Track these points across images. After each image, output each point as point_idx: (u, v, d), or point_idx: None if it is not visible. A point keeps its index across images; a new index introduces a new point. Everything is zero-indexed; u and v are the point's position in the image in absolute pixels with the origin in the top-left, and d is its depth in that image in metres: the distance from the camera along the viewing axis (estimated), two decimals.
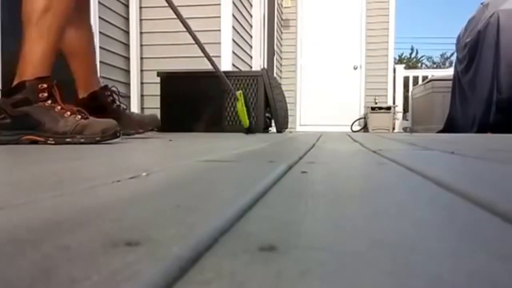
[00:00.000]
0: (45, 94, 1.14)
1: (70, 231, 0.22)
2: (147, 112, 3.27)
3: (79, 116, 1.15)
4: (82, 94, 1.51)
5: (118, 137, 1.16)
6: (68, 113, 1.15)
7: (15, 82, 1.13)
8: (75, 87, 1.55)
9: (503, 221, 0.25)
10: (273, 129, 3.16)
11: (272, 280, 0.16)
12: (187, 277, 0.16)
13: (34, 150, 0.89)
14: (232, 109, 2.75)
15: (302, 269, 0.17)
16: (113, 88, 1.56)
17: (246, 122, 2.28)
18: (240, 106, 2.29)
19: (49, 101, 1.14)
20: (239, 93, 2.33)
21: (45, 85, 1.13)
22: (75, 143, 1.10)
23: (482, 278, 0.16)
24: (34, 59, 1.13)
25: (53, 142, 1.11)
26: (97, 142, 1.11)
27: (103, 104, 1.47)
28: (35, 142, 1.12)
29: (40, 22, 1.11)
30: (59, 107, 1.14)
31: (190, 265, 0.17)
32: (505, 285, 0.15)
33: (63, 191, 0.35)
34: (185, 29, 1.92)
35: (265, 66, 4.03)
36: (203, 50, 1.97)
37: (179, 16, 1.85)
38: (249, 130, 2.30)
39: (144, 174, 0.44)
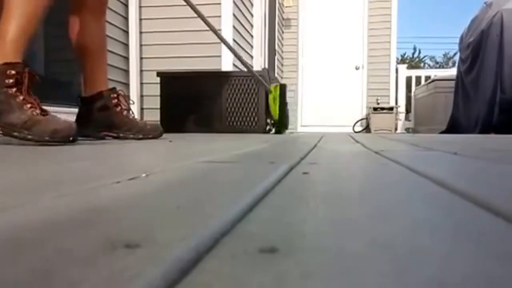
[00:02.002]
0: (12, 81, 1.08)
1: (69, 232, 0.22)
2: (146, 112, 3.28)
3: (38, 111, 1.07)
4: (88, 92, 1.49)
5: (71, 141, 1.06)
6: (28, 105, 1.07)
7: (88, 92, 1.21)
8: (81, 85, 1.55)
9: (506, 222, 0.25)
10: (273, 129, 3.15)
11: (273, 282, 0.15)
12: (188, 279, 0.16)
13: (33, 151, 0.89)
14: (232, 109, 2.75)
15: (304, 271, 0.17)
16: (121, 92, 1.55)
17: (277, 116, 2.25)
18: (272, 100, 2.26)
19: (14, 89, 1.07)
20: (274, 86, 2.32)
21: (13, 72, 1.08)
22: (21, 139, 1.04)
23: (483, 278, 0.16)
24: (5, 43, 1.07)
25: (0, 132, 1.07)
26: (45, 143, 1.02)
27: (107, 105, 1.47)
28: None
29: (13, 6, 1.08)
30: (21, 97, 1.08)
31: (190, 267, 0.17)
32: (505, 286, 0.15)
33: (62, 192, 0.35)
34: (204, 27, 1.95)
35: (266, 66, 4.03)
36: (229, 47, 1.98)
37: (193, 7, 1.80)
38: (278, 128, 2.27)
39: (143, 175, 0.43)
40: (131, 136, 1.46)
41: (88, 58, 1.44)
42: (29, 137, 1.04)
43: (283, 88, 2.49)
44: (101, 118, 1.45)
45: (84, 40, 1.42)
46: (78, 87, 2.62)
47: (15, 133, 1.05)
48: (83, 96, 1.49)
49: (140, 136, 1.47)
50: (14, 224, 0.24)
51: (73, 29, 1.45)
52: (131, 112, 1.55)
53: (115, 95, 1.50)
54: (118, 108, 1.49)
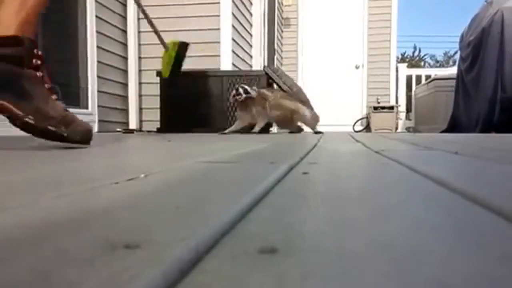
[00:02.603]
0: (39, 62, 0.91)
1: (68, 233, 0.22)
2: (145, 112, 3.27)
3: (62, 105, 0.93)
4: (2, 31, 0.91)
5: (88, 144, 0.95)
6: (54, 96, 0.92)
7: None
8: None
9: (506, 222, 0.25)
10: (274, 129, 3.16)
11: (273, 282, 0.15)
12: (187, 280, 0.16)
13: (30, 151, 0.88)
14: (232, 108, 2.75)
15: (304, 271, 0.17)
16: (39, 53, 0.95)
17: (166, 72, 2.05)
18: (166, 59, 2.02)
19: (40, 73, 0.90)
20: (172, 42, 2.05)
21: (40, 52, 0.91)
22: (54, 133, 0.88)
23: (483, 278, 0.16)
24: (24, 15, 0.87)
25: (32, 122, 0.86)
26: (74, 144, 0.91)
27: (21, 59, 0.89)
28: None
29: None
30: (46, 86, 0.92)
31: (190, 267, 0.17)
32: (506, 286, 0.15)
33: (61, 193, 0.34)
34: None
35: (266, 64, 4.02)
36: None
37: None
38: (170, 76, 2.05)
39: (142, 175, 0.43)
40: (44, 125, 0.90)
41: None
42: (65, 134, 0.89)
43: (183, 46, 2.16)
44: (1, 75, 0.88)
45: None
46: (75, 87, 2.62)
47: (51, 127, 0.87)
48: None
49: (60, 132, 0.91)
50: (14, 224, 0.24)
51: None
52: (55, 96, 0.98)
53: (39, 53, 0.94)
54: (39, 73, 0.93)
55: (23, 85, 0.87)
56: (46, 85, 0.93)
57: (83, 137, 0.94)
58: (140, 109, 3.29)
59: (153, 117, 3.08)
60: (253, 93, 2.50)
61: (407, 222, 0.26)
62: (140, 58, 3.24)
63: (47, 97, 0.91)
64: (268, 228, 0.24)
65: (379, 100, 5.51)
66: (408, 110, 5.87)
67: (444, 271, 0.17)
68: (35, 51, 0.92)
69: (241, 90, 2.48)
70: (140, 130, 3.15)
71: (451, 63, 16.56)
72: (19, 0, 0.90)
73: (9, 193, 0.36)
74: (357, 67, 5.66)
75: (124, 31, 3.17)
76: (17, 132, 0.93)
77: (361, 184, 0.45)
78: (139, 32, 3.21)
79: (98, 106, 2.81)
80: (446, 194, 0.35)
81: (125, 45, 3.18)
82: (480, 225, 0.25)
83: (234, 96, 2.52)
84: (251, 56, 3.78)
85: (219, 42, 3.12)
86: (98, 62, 2.82)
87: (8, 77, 0.87)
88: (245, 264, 0.17)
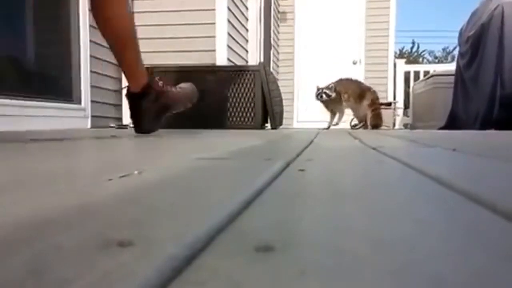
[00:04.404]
0: (161, 82, 1.47)
1: (61, 230, 0.22)
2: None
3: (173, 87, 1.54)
4: (133, 87, 1.43)
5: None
6: (169, 87, 1.51)
7: (134, 86, 1.39)
8: (72, 81, 1.60)
9: (506, 220, 0.25)
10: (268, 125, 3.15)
11: (269, 280, 0.15)
12: (182, 277, 0.15)
13: (23, 148, 0.88)
14: (228, 105, 2.74)
15: (300, 269, 0.16)
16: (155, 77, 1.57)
17: None
18: None
19: (164, 87, 1.47)
20: None
21: (156, 78, 1.50)
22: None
23: (483, 277, 0.16)
24: (140, 65, 1.42)
25: (190, 105, 1.59)
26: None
27: (158, 95, 1.46)
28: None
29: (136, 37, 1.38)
30: (168, 86, 1.50)
31: (185, 265, 0.16)
32: (507, 285, 0.15)
33: (54, 190, 0.34)
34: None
35: (262, 61, 4.01)
36: None
37: None
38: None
39: (136, 172, 0.43)
40: (182, 108, 1.60)
41: (124, 53, 1.40)
42: (189, 105, 1.61)
43: None
44: (156, 108, 1.46)
45: (112, 31, 1.36)
46: (68, 82, 2.60)
47: (188, 104, 1.60)
48: (132, 92, 1.43)
49: (189, 104, 1.62)
50: (5, 221, 0.24)
51: (97, 19, 1.38)
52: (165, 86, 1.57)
53: (157, 79, 1.51)
54: (165, 88, 1.51)
55: (171, 98, 1.53)
56: (168, 87, 1.53)
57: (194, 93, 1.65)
58: None
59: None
60: (333, 95, 3.15)
61: (405, 219, 0.25)
62: None
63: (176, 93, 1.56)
64: (264, 225, 0.24)
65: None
66: (406, 106, 5.88)
67: (444, 271, 0.16)
68: (156, 79, 1.51)
69: (324, 96, 3.16)
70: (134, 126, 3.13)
71: (449, 59, 16.57)
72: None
73: (1, 189, 0.36)
74: (354, 63, 5.65)
75: None
76: (15, 127, 1.00)
77: (357, 181, 0.44)
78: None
79: (91, 101, 2.79)
80: (444, 192, 0.35)
81: None
82: (479, 223, 0.25)
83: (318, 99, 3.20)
84: (247, 51, 3.76)
85: (214, 37, 3.10)
86: (92, 56, 2.79)
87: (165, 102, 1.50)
88: (240, 262, 0.17)
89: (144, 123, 1.42)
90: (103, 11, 1.32)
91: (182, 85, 1.64)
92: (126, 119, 3.24)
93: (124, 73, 1.45)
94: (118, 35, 1.36)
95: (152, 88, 1.43)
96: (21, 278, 0.15)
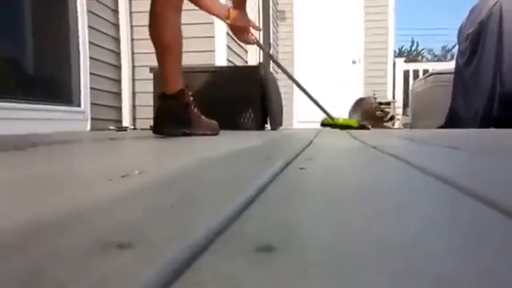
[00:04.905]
0: (192, 98, 1.50)
1: (60, 232, 0.21)
2: (139, 109, 3.25)
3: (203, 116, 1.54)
4: (168, 89, 1.49)
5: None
6: (196, 109, 1.51)
7: (168, 89, 1.44)
8: (72, 84, 1.61)
9: (506, 217, 0.24)
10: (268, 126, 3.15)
11: (270, 281, 0.15)
12: (182, 279, 0.15)
13: (23, 151, 0.87)
14: (227, 105, 2.74)
15: (301, 270, 0.16)
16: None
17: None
18: None
19: (193, 105, 1.49)
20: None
21: (190, 92, 1.50)
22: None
23: (485, 276, 0.15)
24: (177, 75, 1.47)
25: (207, 135, 1.52)
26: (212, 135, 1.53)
27: (188, 103, 1.52)
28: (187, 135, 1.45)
29: (179, 47, 1.48)
30: (195, 109, 1.51)
31: (185, 267, 0.16)
32: (508, 283, 0.15)
33: (52, 191, 0.34)
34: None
35: (261, 61, 4.01)
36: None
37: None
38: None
39: (136, 172, 0.43)
40: (200, 133, 1.57)
41: (167, 58, 1.49)
42: (208, 132, 1.55)
43: None
44: (181, 116, 1.50)
45: (164, 35, 1.47)
46: (67, 85, 2.60)
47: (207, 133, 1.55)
48: (166, 93, 1.50)
49: (208, 132, 1.60)
50: (4, 223, 0.23)
51: (153, 24, 1.51)
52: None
53: (190, 93, 1.55)
54: (193, 106, 1.56)
55: (189, 117, 1.51)
56: (195, 109, 1.53)
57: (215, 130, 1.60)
58: (134, 106, 3.26)
59: (147, 115, 3.06)
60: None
61: (406, 217, 0.25)
62: (133, 53, 3.20)
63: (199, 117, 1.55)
64: (265, 226, 0.23)
65: (376, 96, 5.51)
66: (406, 105, 5.88)
67: (446, 269, 0.16)
68: (188, 92, 1.52)
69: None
70: (134, 128, 3.13)
71: (449, 57, 16.58)
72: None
73: (0, 192, 0.35)
74: (353, 62, 5.66)
75: (116, 25, 3.13)
76: (14, 130, 1.00)
77: (358, 180, 0.44)
78: (131, 26, 3.17)
79: (91, 103, 2.79)
80: (445, 189, 0.35)
81: (117, 39, 3.14)
82: (480, 220, 0.25)
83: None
84: (246, 51, 3.76)
85: (213, 37, 3.09)
86: (90, 58, 2.78)
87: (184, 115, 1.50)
88: (241, 263, 0.17)
89: (163, 124, 1.46)
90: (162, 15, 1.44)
91: (208, 120, 1.67)
92: (126, 121, 3.24)
93: (162, 76, 1.51)
94: (168, 43, 1.48)
95: (184, 97, 1.49)
96: (19, 281, 0.15)
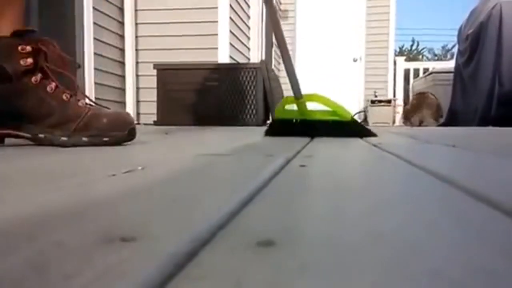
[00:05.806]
0: (30, 60, 0.70)
1: (63, 226, 0.22)
2: (142, 105, 3.25)
3: (86, 101, 0.73)
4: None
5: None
6: (66, 95, 0.74)
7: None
8: None
9: (505, 215, 0.25)
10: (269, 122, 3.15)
11: (270, 275, 0.15)
12: (184, 273, 0.15)
13: (26, 143, 0.87)
14: (230, 102, 2.74)
15: (301, 264, 0.16)
16: (53, 45, 0.79)
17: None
18: None
19: (39, 75, 0.71)
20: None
21: (28, 48, 0.70)
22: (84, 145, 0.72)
23: (483, 274, 0.16)
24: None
25: (43, 136, 0.72)
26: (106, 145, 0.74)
27: (4, 71, 0.72)
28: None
29: None
30: (53, 84, 0.72)
31: (186, 260, 0.17)
32: (507, 281, 0.15)
33: (55, 185, 0.34)
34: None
35: (264, 58, 4.00)
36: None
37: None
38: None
39: (139, 168, 0.43)
40: (64, 139, 0.74)
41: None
42: (106, 139, 0.72)
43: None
44: None
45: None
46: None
47: (64, 138, 0.70)
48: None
49: (97, 141, 0.75)
50: (9, 217, 0.24)
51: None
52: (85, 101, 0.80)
53: (29, 48, 0.73)
54: (34, 78, 0.73)
55: (14, 104, 0.69)
56: (51, 85, 0.73)
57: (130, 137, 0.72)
58: (138, 101, 3.27)
59: (150, 110, 3.06)
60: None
61: (406, 214, 0.26)
62: (137, 50, 3.21)
63: (54, 106, 0.72)
64: (265, 221, 0.24)
65: (376, 94, 5.50)
66: (406, 103, 5.87)
67: (444, 264, 0.17)
68: (19, 47, 0.68)
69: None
70: (137, 123, 3.13)
71: (449, 56, 16.52)
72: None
73: (4, 185, 0.36)
74: (355, 60, 5.64)
75: (121, 23, 3.14)
76: None
77: (358, 177, 0.45)
78: (136, 23, 3.18)
79: (95, 98, 2.79)
80: (445, 187, 0.35)
81: (121, 36, 3.15)
82: (478, 218, 0.25)
83: None
84: (248, 49, 3.75)
85: (216, 35, 3.09)
86: (95, 54, 2.78)
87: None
88: (242, 257, 0.17)
89: None
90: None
91: (112, 112, 0.83)
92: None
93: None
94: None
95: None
96: (24, 274, 0.15)
